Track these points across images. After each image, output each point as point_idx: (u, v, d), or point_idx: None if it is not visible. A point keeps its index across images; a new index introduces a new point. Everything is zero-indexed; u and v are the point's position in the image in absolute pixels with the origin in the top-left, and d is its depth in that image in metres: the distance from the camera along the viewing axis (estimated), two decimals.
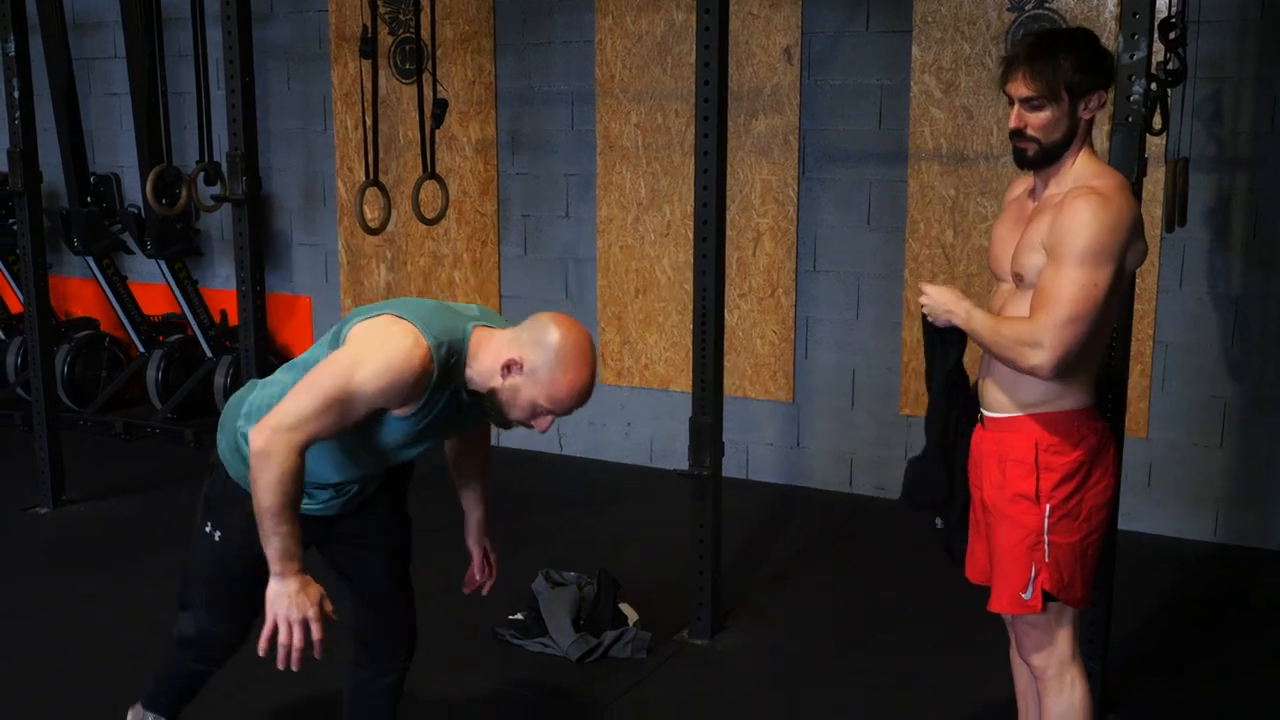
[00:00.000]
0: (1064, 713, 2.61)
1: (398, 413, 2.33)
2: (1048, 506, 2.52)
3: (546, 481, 5.69)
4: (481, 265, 6.04)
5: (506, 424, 2.39)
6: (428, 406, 2.34)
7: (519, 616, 3.96)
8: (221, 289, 6.70)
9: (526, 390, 2.31)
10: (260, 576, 2.34)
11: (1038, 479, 2.52)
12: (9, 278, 6.73)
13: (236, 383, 6.19)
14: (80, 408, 6.45)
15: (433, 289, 6.15)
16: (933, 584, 4.46)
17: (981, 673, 3.65)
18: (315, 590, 2.33)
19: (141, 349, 6.54)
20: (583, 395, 2.33)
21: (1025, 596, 2.55)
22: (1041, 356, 2.42)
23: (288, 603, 2.28)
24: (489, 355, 2.33)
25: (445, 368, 2.30)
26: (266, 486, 2.23)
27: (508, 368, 2.30)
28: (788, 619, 4.15)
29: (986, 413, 2.64)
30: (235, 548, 2.50)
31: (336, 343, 2.35)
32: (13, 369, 6.71)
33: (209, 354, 6.39)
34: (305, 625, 2.29)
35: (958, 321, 2.56)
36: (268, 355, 4.71)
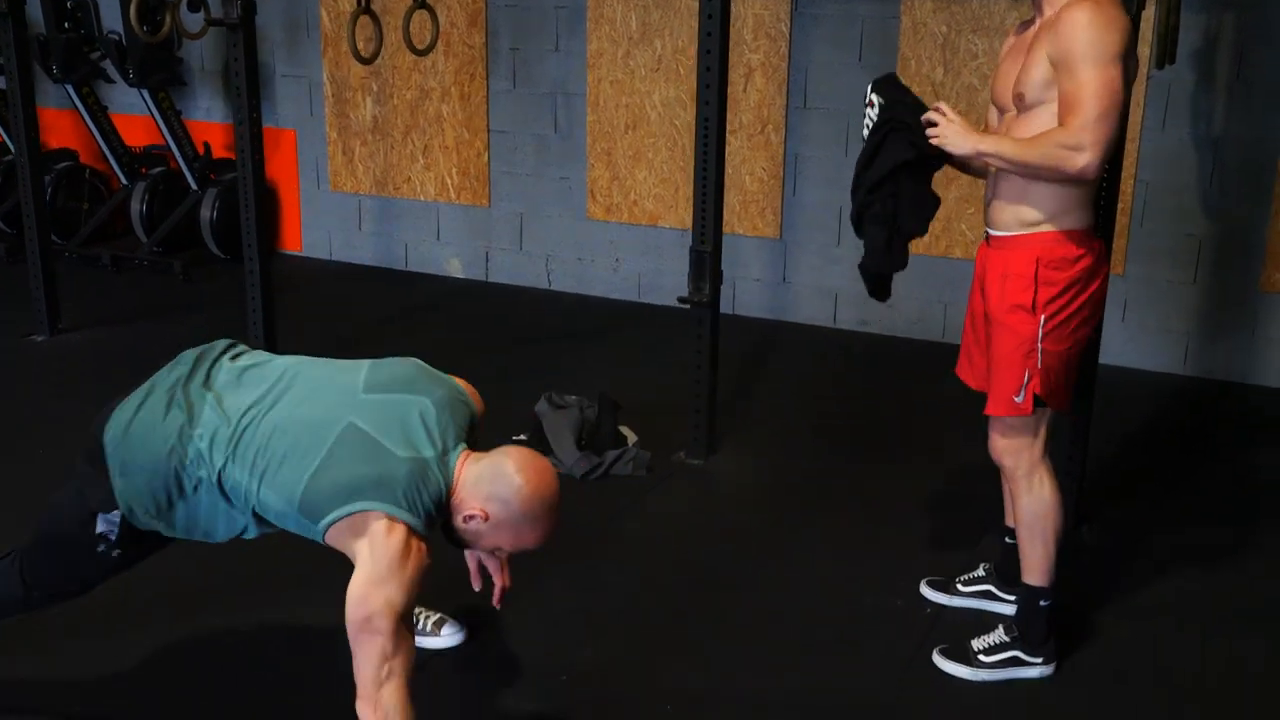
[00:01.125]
0: (1035, 508, 2.84)
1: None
2: (1042, 317, 2.71)
3: (536, 315, 5.80)
4: (470, 99, 6.02)
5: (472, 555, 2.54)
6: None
7: (523, 438, 4.10)
8: (203, 120, 6.65)
9: (490, 538, 2.33)
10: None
11: (1035, 292, 2.70)
12: None
13: (224, 216, 6.19)
14: (62, 240, 6.43)
15: (420, 123, 6.13)
16: (915, 412, 4.66)
17: (961, 490, 3.87)
18: None
19: (124, 181, 6.50)
20: (544, 537, 2.33)
21: (1017, 399, 2.75)
22: (1085, 157, 2.54)
23: None
24: (460, 493, 2.29)
25: (435, 522, 2.29)
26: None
27: (470, 518, 2.29)
28: (777, 443, 4.33)
29: (992, 232, 2.79)
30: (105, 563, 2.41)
31: (315, 521, 2.22)
32: None
33: (194, 187, 6.37)
34: None
35: (985, 148, 2.67)
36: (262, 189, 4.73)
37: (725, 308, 5.63)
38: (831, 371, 5.11)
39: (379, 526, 2.18)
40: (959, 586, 3.23)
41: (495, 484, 2.27)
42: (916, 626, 3.12)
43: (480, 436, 2.48)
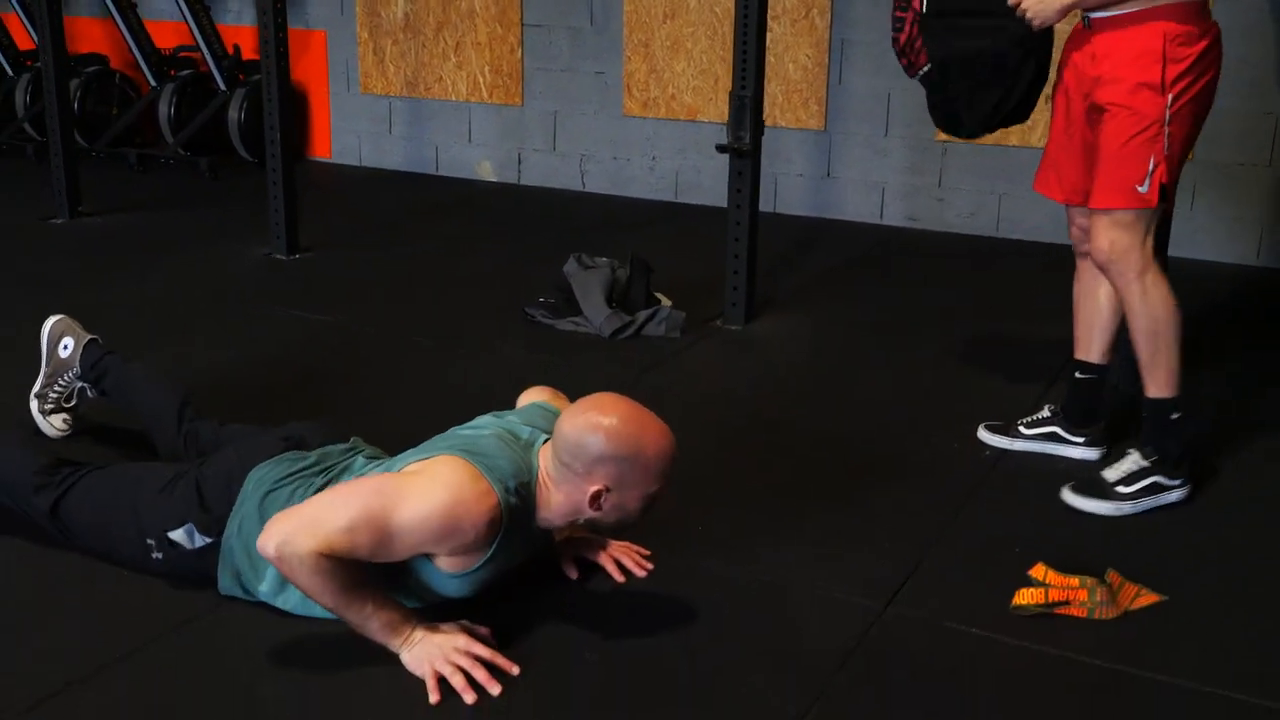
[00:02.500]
0: (1153, 311, 2.60)
1: (446, 566, 2.06)
2: (1170, 96, 2.51)
3: (570, 214, 5.57)
4: None
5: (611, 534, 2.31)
6: (493, 560, 2.07)
7: (551, 301, 3.88)
8: (233, 24, 6.48)
9: (628, 499, 2.07)
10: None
11: (1164, 68, 2.50)
12: (19, 11, 6.49)
13: (251, 117, 6.02)
14: (91, 144, 6.29)
15: (452, 18, 5.93)
16: (967, 298, 4.40)
17: (1016, 350, 3.65)
18: (446, 635, 2.01)
19: (153, 83, 6.34)
20: (670, 448, 2.07)
21: (1141, 189, 2.55)
22: None
23: (431, 658, 1.98)
24: (560, 493, 2.08)
25: (514, 515, 2.05)
26: (313, 591, 1.96)
27: (596, 499, 2.06)
28: (820, 315, 4.08)
29: (1101, 14, 2.58)
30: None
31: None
32: (21, 106, 6.54)
33: (222, 87, 6.21)
34: (466, 659, 1.98)
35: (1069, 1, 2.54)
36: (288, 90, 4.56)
37: (766, 205, 5.38)
38: (878, 263, 4.84)
39: (452, 460, 2.05)
40: (1021, 429, 2.96)
41: (580, 448, 2.04)
42: (976, 468, 2.87)
43: None
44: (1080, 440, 2.87)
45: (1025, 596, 2.25)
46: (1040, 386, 3.31)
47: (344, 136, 6.43)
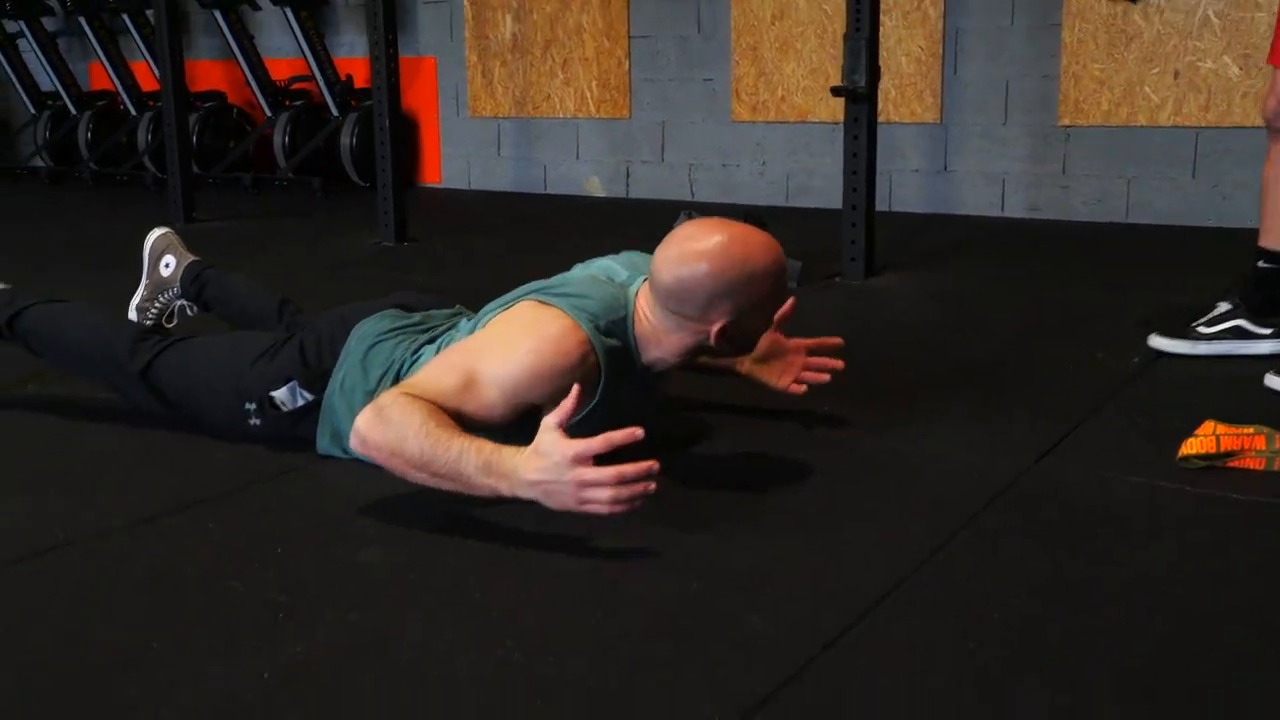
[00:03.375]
0: None
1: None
2: None
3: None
4: (610, 6, 5.82)
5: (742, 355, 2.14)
6: (601, 408, 1.89)
7: None
8: (346, 56, 6.60)
9: (751, 324, 1.95)
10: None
11: None
12: (147, 57, 6.70)
13: (363, 141, 6.09)
14: (207, 171, 6.42)
15: (559, 35, 5.96)
16: (1103, 277, 4.18)
17: (1152, 308, 3.39)
18: (557, 464, 1.65)
19: (268, 113, 6.47)
20: (779, 263, 1.94)
21: None
22: None
23: (562, 504, 1.68)
24: (674, 339, 1.93)
25: (614, 356, 1.90)
26: (407, 442, 1.73)
27: (723, 334, 1.91)
28: (943, 278, 3.90)
29: None
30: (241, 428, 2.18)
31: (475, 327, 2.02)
32: (143, 142, 6.72)
33: (335, 113, 6.30)
34: (593, 490, 1.65)
35: None
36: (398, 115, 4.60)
37: (880, 204, 5.24)
38: (999, 248, 4.63)
39: (529, 304, 1.93)
40: (1200, 329, 2.69)
41: (690, 289, 1.87)
42: (1131, 369, 2.66)
43: None
44: (1268, 332, 2.62)
45: (1193, 446, 2.02)
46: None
47: (453, 161, 6.47)
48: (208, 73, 7.04)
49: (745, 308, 1.90)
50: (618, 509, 1.65)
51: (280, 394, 2.12)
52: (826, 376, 2.23)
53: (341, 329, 2.15)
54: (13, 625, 1.52)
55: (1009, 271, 3.99)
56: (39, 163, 7.13)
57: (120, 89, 6.93)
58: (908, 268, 3.97)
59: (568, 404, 1.68)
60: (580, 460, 1.64)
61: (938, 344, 3.00)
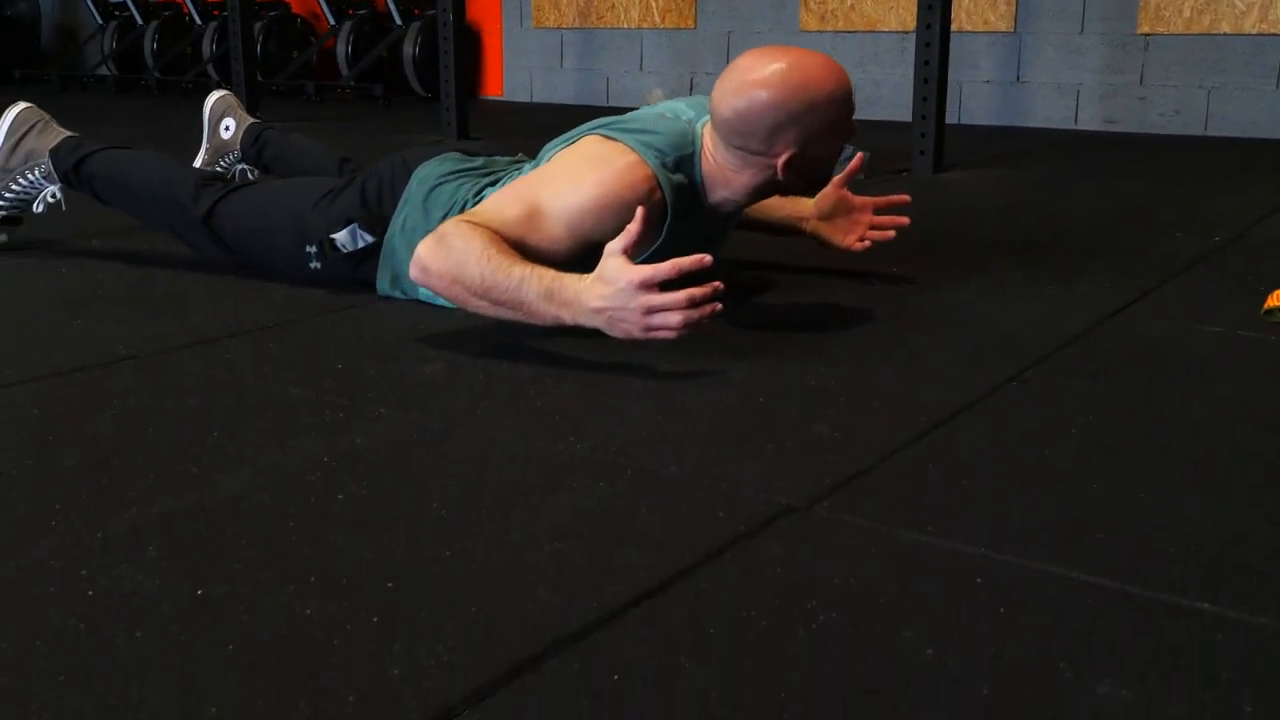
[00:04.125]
0: None
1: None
2: None
3: None
4: None
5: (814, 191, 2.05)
6: (666, 246, 1.82)
7: None
8: None
9: (820, 151, 1.86)
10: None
11: None
12: None
13: (425, 51, 6.06)
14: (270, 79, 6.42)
15: None
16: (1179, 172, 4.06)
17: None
18: (620, 289, 1.60)
19: (332, 21, 6.45)
20: (844, 85, 1.84)
21: None
22: None
23: (627, 331, 1.62)
24: (743, 176, 1.87)
25: (680, 192, 1.84)
26: (468, 268, 1.67)
27: (790, 166, 1.83)
28: (1017, 173, 3.81)
29: None
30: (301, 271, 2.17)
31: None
32: (207, 51, 6.74)
33: (398, 22, 6.27)
34: (660, 317, 1.60)
35: None
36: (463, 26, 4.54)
37: (950, 117, 5.15)
38: (1074, 159, 4.52)
39: (593, 138, 1.88)
40: None
41: (750, 121, 1.81)
42: (1215, 242, 2.58)
43: None
44: None
45: (1277, 299, 1.95)
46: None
47: (516, 73, 6.42)
48: None
49: (810, 136, 1.83)
50: (685, 332, 1.60)
51: (340, 236, 2.10)
52: (891, 234, 2.18)
53: (403, 171, 2.12)
54: (75, 419, 1.52)
55: (1083, 174, 3.89)
56: (104, 71, 7.18)
57: None
58: (977, 167, 3.89)
59: (634, 228, 1.63)
60: (647, 285, 1.59)
61: (1010, 223, 2.93)
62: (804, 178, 1.90)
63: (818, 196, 2.16)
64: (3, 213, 2.45)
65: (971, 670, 0.93)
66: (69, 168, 2.37)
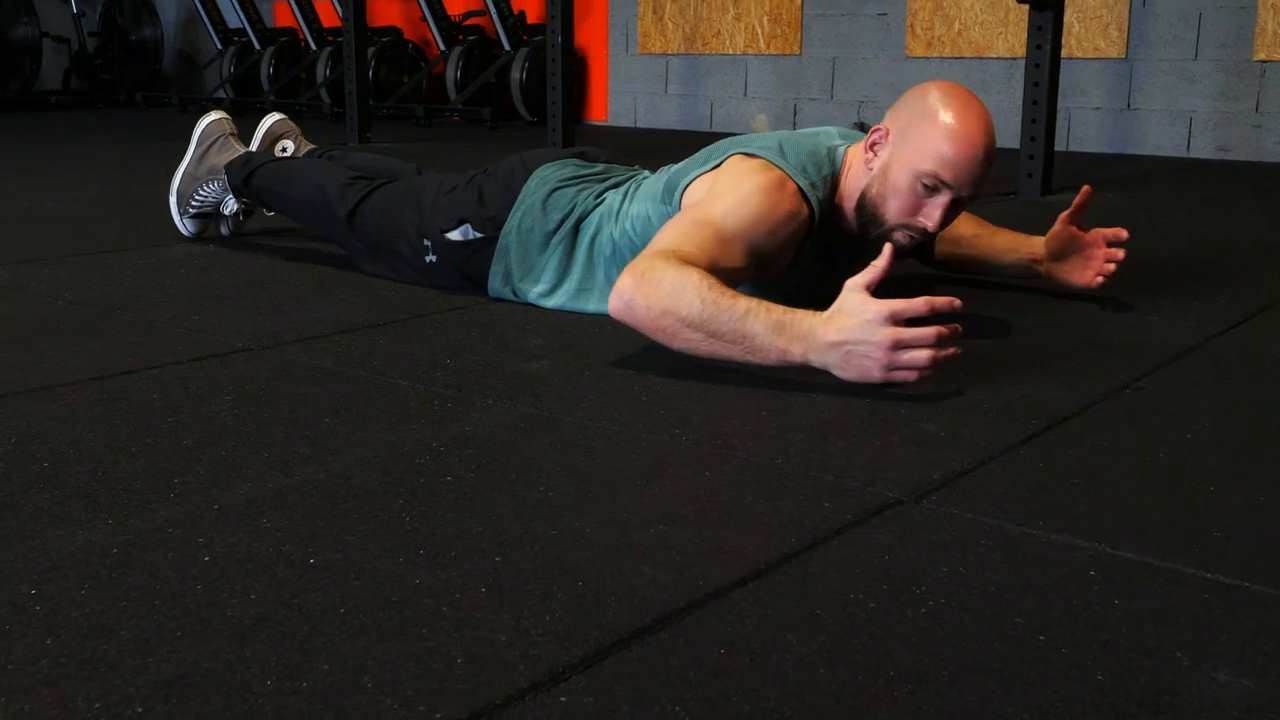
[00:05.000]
0: None
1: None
2: None
3: None
4: None
5: (887, 236, 1.77)
6: (797, 267, 1.83)
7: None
8: None
9: (899, 162, 1.74)
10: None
11: None
12: None
13: (533, 76, 6.15)
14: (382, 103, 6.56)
15: None
16: None
17: None
18: (861, 323, 1.50)
19: (442, 48, 6.58)
20: (976, 146, 1.70)
21: None
22: None
23: (865, 371, 1.53)
24: (854, 174, 1.83)
25: (826, 210, 1.81)
26: (684, 300, 1.57)
27: (873, 145, 1.79)
28: (1131, 198, 3.74)
29: None
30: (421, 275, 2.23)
31: (669, 201, 1.88)
32: (321, 76, 6.91)
33: (507, 47, 6.37)
34: (908, 355, 1.50)
35: None
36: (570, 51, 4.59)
37: (1059, 144, 5.08)
38: (1186, 186, 4.42)
39: (736, 158, 1.82)
40: None
41: (898, 105, 1.80)
42: None
43: None
44: None
45: None
46: None
47: (620, 98, 6.48)
48: (386, 9, 7.20)
49: (907, 133, 1.74)
50: (928, 374, 1.50)
51: (454, 235, 2.14)
52: (1113, 267, 2.06)
53: (522, 172, 2.15)
54: (193, 402, 1.56)
55: (1196, 199, 3.80)
56: (222, 95, 7.40)
57: (302, 24, 7.14)
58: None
59: (880, 262, 1.52)
60: (896, 319, 1.48)
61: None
62: (877, 183, 1.78)
63: (1049, 236, 2.08)
64: (194, 211, 2.71)
65: (1085, 655, 0.91)
66: (240, 183, 2.55)
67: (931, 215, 1.75)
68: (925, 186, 1.73)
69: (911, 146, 1.73)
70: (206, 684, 0.88)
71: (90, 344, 1.84)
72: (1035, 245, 2.13)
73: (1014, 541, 1.12)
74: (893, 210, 1.76)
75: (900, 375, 1.51)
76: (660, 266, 1.60)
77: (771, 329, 1.54)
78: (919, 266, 2.28)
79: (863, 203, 1.80)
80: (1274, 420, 1.49)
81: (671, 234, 1.70)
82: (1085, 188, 2.01)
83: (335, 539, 1.13)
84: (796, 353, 1.54)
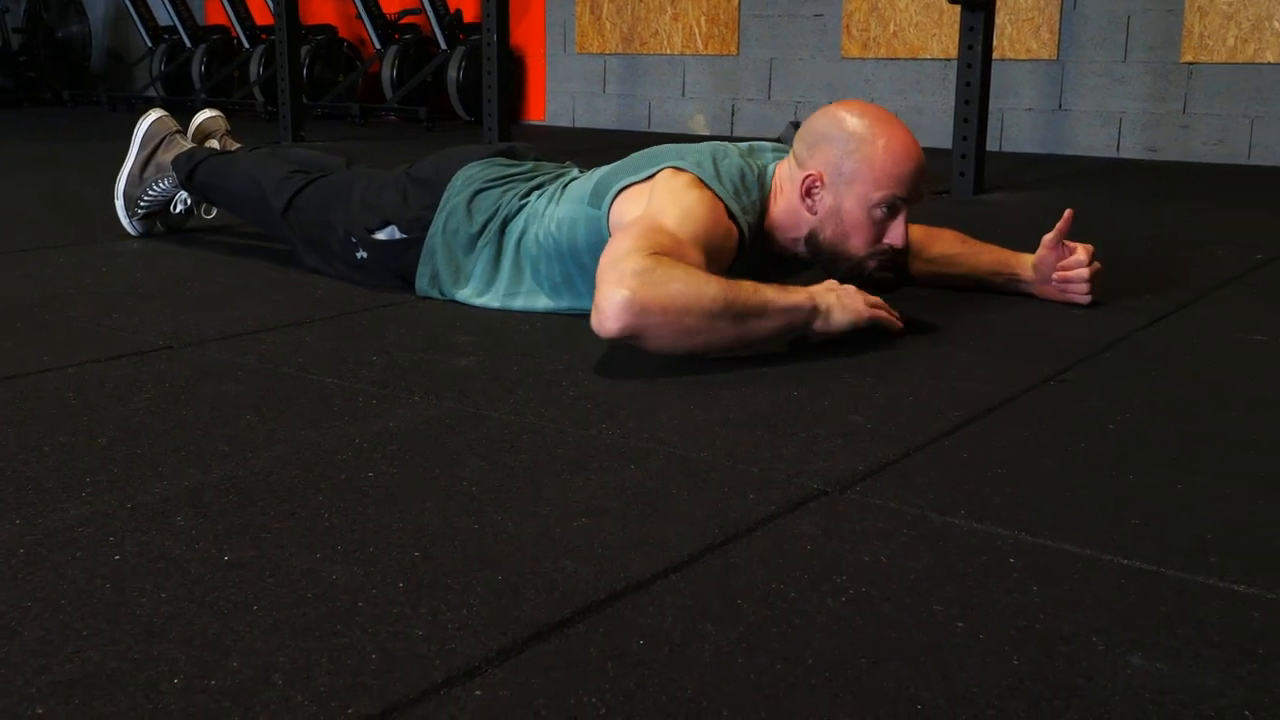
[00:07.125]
0: None
1: None
2: None
3: None
4: None
5: (859, 268, 1.81)
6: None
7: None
8: None
9: (851, 199, 1.76)
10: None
11: None
12: None
13: (469, 76, 6.12)
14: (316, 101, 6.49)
15: None
16: (1226, 229, 4.01)
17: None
18: (851, 289, 1.73)
19: (378, 46, 6.53)
20: (914, 155, 1.77)
21: None
22: None
23: (858, 311, 1.72)
24: (784, 196, 1.83)
25: (754, 234, 1.81)
26: (704, 288, 1.58)
27: (808, 191, 1.78)
28: (1059, 196, 3.78)
29: None
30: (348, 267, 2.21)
31: (598, 205, 1.85)
32: (255, 73, 6.82)
33: (443, 46, 6.33)
34: (883, 312, 1.75)
35: None
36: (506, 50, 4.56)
37: (991, 144, 5.13)
38: (1115, 185, 4.49)
39: (666, 173, 1.79)
40: None
41: (807, 138, 1.80)
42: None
43: None
44: None
45: None
46: None
47: (558, 98, 6.46)
48: (320, 7, 7.13)
49: (843, 170, 1.75)
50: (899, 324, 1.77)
51: (380, 236, 2.12)
52: (1085, 287, 2.06)
53: (446, 169, 2.13)
54: (109, 402, 1.53)
55: (1124, 198, 3.86)
56: (153, 93, 7.28)
57: (235, 21, 7.04)
58: (1018, 190, 3.87)
59: (881, 313, 1.77)
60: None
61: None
62: (822, 223, 1.79)
63: (1035, 260, 2.08)
64: (143, 212, 2.69)
65: (1003, 641, 0.91)
66: (184, 179, 2.53)
67: (896, 234, 1.80)
68: (886, 211, 1.78)
69: (858, 180, 1.76)
70: (111, 684, 0.85)
71: (3, 343, 1.79)
72: (1022, 265, 2.13)
73: (936, 531, 1.13)
74: (857, 244, 1.80)
75: (882, 314, 1.74)
76: (652, 266, 1.56)
77: (779, 291, 1.65)
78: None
79: (818, 246, 1.82)
80: (1193, 411, 1.51)
81: (630, 241, 1.63)
82: (1068, 212, 2.01)
83: (251, 536, 1.11)
84: (804, 299, 1.67)
